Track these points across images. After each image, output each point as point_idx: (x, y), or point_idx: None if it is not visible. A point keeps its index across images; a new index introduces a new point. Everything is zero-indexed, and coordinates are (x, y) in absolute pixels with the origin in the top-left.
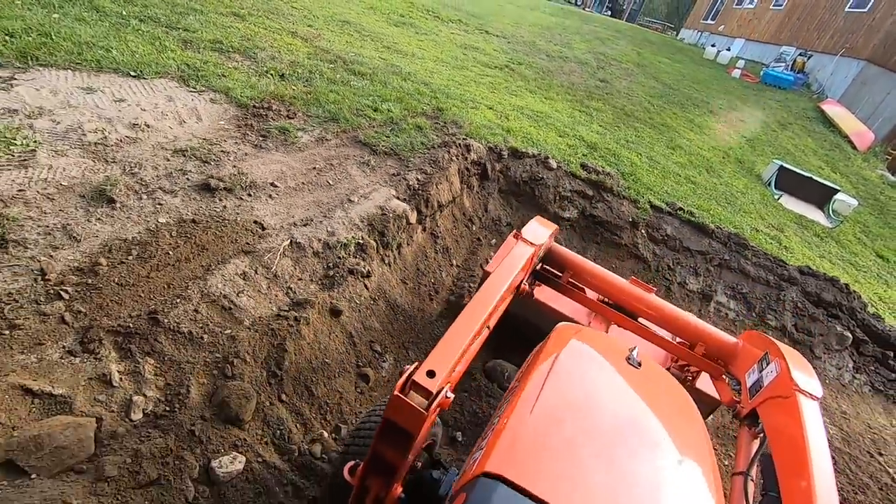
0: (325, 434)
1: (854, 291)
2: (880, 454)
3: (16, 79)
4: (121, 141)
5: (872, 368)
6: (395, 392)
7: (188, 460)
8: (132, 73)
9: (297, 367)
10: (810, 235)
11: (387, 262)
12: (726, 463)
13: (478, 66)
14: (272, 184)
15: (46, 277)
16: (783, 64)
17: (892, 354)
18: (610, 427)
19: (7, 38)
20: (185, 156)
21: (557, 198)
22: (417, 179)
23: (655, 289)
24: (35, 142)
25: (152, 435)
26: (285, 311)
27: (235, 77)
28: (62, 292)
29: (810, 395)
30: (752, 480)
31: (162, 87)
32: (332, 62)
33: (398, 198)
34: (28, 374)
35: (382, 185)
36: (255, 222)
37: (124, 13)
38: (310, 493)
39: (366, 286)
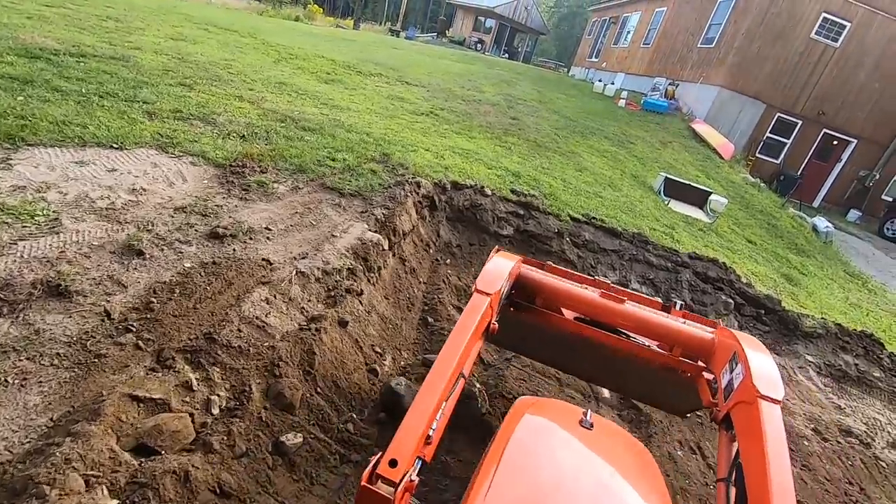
0: (354, 416)
1: (731, 268)
2: None
3: (11, 159)
4: (126, 204)
5: (751, 325)
6: (363, 482)
7: (263, 438)
8: (114, 146)
9: (324, 367)
10: (695, 230)
11: (372, 282)
12: None
13: (406, 114)
14: (266, 228)
15: (112, 317)
16: (658, 92)
17: (763, 312)
18: (569, 500)
19: None
20: (185, 212)
21: (495, 219)
22: (383, 214)
23: (627, 298)
24: (54, 211)
25: (234, 422)
26: (305, 325)
27: (204, 141)
28: (129, 327)
29: (771, 399)
30: (734, 486)
31: (144, 155)
32: (282, 121)
33: (371, 230)
34: (128, 387)
35: (356, 221)
36: (264, 259)
37: (83, 91)
38: (352, 458)
39: (360, 302)
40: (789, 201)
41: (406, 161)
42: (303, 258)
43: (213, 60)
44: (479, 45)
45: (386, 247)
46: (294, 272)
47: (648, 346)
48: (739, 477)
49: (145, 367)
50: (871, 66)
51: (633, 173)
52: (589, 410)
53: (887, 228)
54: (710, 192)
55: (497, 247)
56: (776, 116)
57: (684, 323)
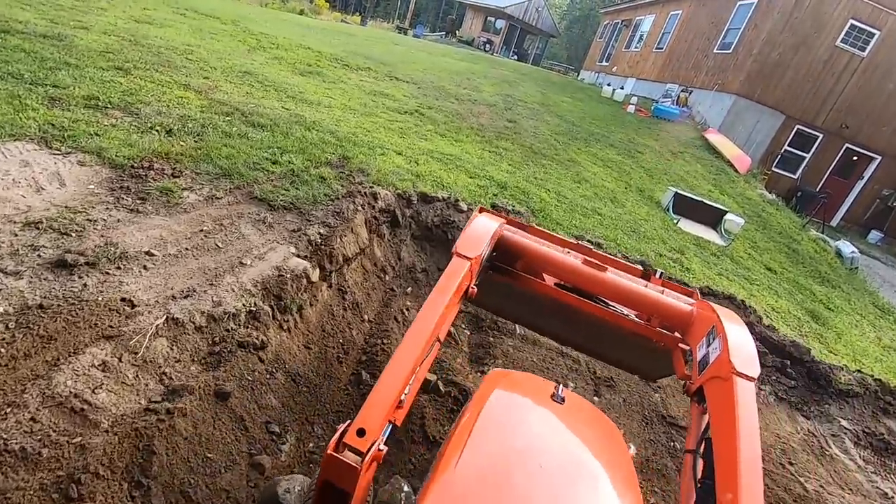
0: None
1: (750, 306)
2: (791, 464)
3: None
4: None
5: (774, 378)
6: (329, 451)
7: None
8: None
9: (169, 471)
10: (708, 255)
11: (285, 327)
12: None
13: (387, 111)
14: (148, 252)
15: None
16: (670, 99)
17: (788, 363)
18: (536, 470)
19: None
20: (38, 228)
21: None
22: (320, 234)
23: (609, 265)
24: None
25: None
26: (157, 402)
27: (112, 135)
28: None
29: (747, 376)
30: (702, 458)
31: (16, 150)
32: (228, 115)
33: (298, 255)
34: None
35: (280, 243)
36: (123, 300)
37: None
38: None
39: (260, 359)
40: (811, 221)
41: (368, 166)
42: (185, 297)
43: (173, 45)
44: (487, 46)
45: (315, 277)
46: (162, 319)
47: (627, 316)
48: (709, 450)
49: None
50: None
51: (639, 186)
52: (561, 385)
53: None
54: (726, 211)
55: (479, 206)
56: (795, 129)
57: (663, 293)
